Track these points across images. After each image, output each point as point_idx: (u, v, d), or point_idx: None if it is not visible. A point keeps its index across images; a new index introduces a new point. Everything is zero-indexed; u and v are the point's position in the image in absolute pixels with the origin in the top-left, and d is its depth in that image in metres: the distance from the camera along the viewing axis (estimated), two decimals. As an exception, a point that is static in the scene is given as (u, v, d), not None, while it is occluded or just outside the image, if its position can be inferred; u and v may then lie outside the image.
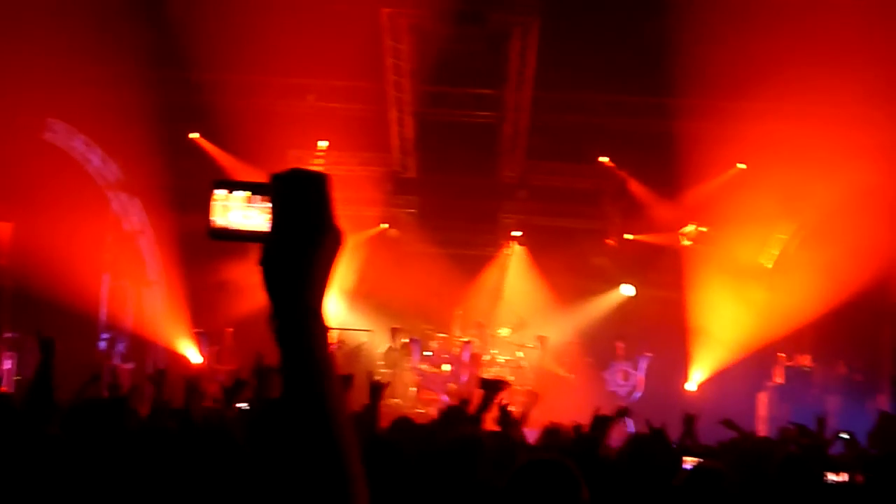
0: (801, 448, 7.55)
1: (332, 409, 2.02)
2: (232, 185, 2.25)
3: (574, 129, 19.71)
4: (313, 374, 2.03)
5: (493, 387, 8.02)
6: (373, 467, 4.86)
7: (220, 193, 2.24)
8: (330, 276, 2.08)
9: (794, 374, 19.50)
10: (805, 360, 19.78)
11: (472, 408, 7.90)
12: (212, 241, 2.31)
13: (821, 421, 8.42)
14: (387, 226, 22.57)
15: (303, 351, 2.03)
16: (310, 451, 1.99)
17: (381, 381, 7.67)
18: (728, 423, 7.81)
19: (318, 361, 2.03)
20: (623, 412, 8.40)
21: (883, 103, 17.85)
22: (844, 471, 5.72)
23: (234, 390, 7.58)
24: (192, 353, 20.78)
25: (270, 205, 2.07)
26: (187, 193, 20.59)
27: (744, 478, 3.71)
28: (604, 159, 20.75)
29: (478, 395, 8.28)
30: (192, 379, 7.87)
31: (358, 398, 7.84)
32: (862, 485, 4.09)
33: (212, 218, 2.23)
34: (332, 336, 20.09)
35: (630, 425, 14.71)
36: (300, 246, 2.04)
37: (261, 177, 2.19)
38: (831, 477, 5.61)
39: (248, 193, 2.24)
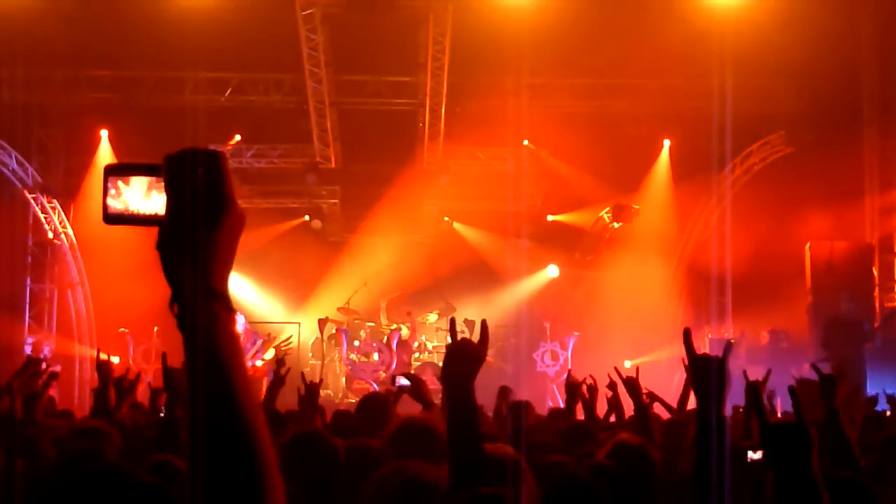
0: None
1: (238, 393, 1.95)
2: (127, 169, 2.19)
3: (493, 113, 19.78)
4: (217, 358, 1.96)
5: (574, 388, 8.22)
6: (313, 465, 4.88)
7: (114, 178, 2.18)
8: (231, 255, 2.05)
9: (717, 346, 19.74)
10: (728, 332, 20.03)
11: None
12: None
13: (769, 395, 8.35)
14: (309, 217, 22.52)
15: (206, 335, 1.97)
16: (216, 436, 1.92)
17: (315, 382, 7.63)
18: (651, 396, 7.70)
19: (222, 344, 1.97)
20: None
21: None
22: None
23: (156, 396, 7.50)
24: (116, 354, 20.59)
25: (164, 187, 2.04)
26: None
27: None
28: (525, 142, 20.84)
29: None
30: (117, 380, 7.76)
31: (291, 395, 7.81)
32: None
33: (107, 202, 2.17)
34: (262, 329, 19.95)
35: (557, 403, 14.87)
36: (197, 227, 2.00)
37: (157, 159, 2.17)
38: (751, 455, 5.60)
39: (144, 176, 2.17)
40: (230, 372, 1.96)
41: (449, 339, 3.85)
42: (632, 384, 7.28)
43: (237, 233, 2.07)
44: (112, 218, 2.18)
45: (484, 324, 3.81)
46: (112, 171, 2.18)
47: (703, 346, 19.80)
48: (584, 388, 8.41)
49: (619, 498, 4.32)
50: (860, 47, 18.73)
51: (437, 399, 8.60)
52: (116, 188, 2.18)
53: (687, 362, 3.83)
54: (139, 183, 2.18)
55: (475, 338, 3.83)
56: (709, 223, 21.14)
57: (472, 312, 21.07)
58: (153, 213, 2.15)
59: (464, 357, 3.75)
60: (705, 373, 3.72)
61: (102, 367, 7.88)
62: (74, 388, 19.97)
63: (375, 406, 7.59)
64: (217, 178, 2.03)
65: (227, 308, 2.01)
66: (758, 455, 5.30)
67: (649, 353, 20.63)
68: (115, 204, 2.18)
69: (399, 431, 5.44)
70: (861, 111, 19.14)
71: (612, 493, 4.17)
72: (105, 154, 20.78)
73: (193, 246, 2.00)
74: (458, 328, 3.85)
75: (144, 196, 2.17)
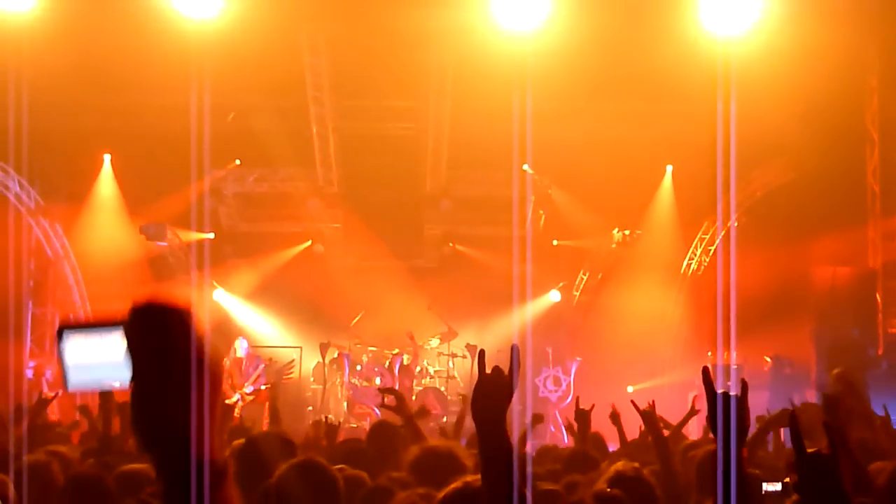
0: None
1: None
2: (82, 329, 2.03)
3: (494, 138, 19.78)
4: None
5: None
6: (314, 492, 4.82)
7: (70, 339, 2.02)
8: (212, 413, 1.90)
9: (721, 375, 19.67)
10: (731, 358, 19.98)
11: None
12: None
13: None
14: (311, 242, 22.51)
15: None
16: None
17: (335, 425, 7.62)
18: (647, 416, 7.58)
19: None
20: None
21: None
22: None
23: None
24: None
25: (126, 345, 1.90)
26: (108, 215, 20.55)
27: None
28: (525, 168, 20.85)
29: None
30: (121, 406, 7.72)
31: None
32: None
33: (66, 372, 2.02)
34: (263, 354, 19.94)
35: (559, 429, 14.80)
36: (167, 392, 1.87)
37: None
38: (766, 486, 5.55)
39: (100, 336, 2.00)
40: None
41: (448, 364, 3.79)
42: (649, 417, 7.25)
43: (216, 391, 1.92)
44: (74, 385, 2.03)
45: (515, 350, 3.66)
46: (66, 331, 2.04)
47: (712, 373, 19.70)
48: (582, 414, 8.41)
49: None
50: (863, 73, 18.77)
51: (438, 423, 8.58)
52: (76, 350, 2.02)
53: (706, 399, 3.78)
54: (100, 343, 2.01)
55: (476, 365, 3.75)
56: (711, 249, 21.13)
57: (474, 337, 21.03)
58: (118, 377, 1.97)
59: (494, 390, 3.65)
60: (726, 412, 3.68)
61: (106, 397, 7.83)
62: (75, 413, 19.90)
63: (386, 435, 7.62)
64: (184, 337, 1.89)
65: (219, 478, 1.91)
66: (774, 487, 5.26)
67: (652, 379, 20.60)
68: (74, 368, 2.02)
69: (421, 459, 5.42)
70: (864, 136, 19.16)
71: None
72: (107, 178, 20.85)
73: (167, 412, 1.87)
74: (460, 353, 3.81)
75: (106, 357, 1.99)
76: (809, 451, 3.35)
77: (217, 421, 1.92)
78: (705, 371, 3.81)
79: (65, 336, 2.04)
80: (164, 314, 1.90)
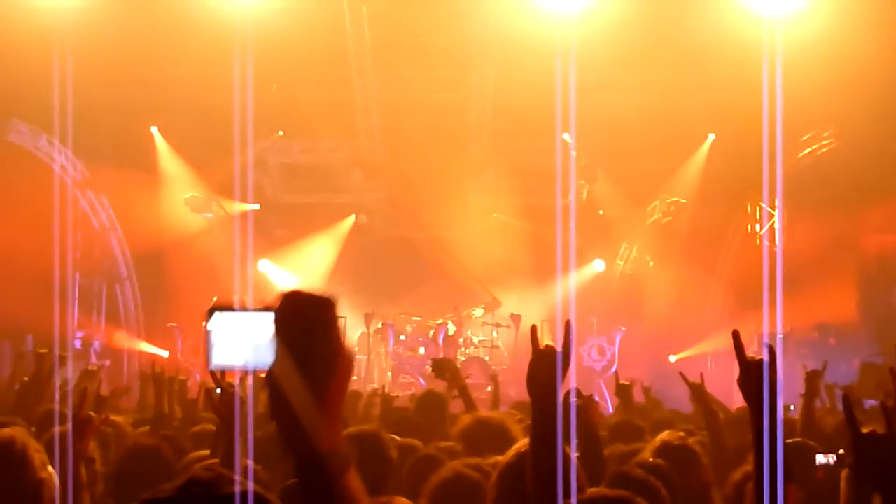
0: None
1: None
2: (231, 311, 2.15)
3: (538, 108, 19.69)
4: None
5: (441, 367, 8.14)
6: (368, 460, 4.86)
7: (218, 320, 2.14)
8: (341, 407, 2.00)
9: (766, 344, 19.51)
10: (777, 327, 19.85)
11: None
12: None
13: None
14: (355, 213, 22.55)
15: (320, 489, 1.96)
16: None
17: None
18: (696, 388, 7.54)
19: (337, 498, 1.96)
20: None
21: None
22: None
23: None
24: (165, 348, 20.73)
25: (272, 332, 1.97)
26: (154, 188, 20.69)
27: None
28: (566, 137, 20.75)
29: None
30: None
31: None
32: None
33: (211, 350, 2.13)
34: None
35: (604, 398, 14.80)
36: (305, 379, 1.94)
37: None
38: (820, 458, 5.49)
39: (248, 320, 2.12)
40: None
41: (492, 334, 3.80)
42: (698, 390, 7.24)
43: (347, 383, 2.02)
44: (219, 366, 2.16)
45: (567, 326, 3.69)
46: (215, 311, 2.15)
47: (752, 343, 19.64)
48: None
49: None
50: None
51: (481, 393, 8.62)
52: (219, 331, 2.14)
53: (738, 364, 3.77)
54: (242, 326, 2.13)
55: (530, 340, 3.75)
56: (757, 218, 20.98)
57: (518, 307, 21.05)
58: (261, 361, 2.05)
59: (548, 364, 3.68)
60: (756, 377, 3.66)
61: (158, 379, 7.99)
62: (123, 382, 20.12)
63: (434, 405, 7.68)
64: (328, 328, 2.00)
65: (345, 463, 1.99)
66: (828, 459, 5.21)
67: (694, 347, 20.53)
68: (218, 352, 2.14)
69: (471, 429, 5.46)
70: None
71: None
72: (154, 151, 20.93)
73: (304, 399, 1.95)
74: (504, 322, 3.81)
75: (249, 341, 2.11)
76: (865, 431, 3.33)
77: (343, 411, 2.01)
78: (735, 335, 3.83)
79: (214, 316, 2.14)
80: (313, 304, 2.00)
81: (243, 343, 2.11)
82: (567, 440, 3.60)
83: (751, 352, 3.81)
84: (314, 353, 1.95)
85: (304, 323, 1.97)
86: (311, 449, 1.94)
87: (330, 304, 2.01)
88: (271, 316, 1.98)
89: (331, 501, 1.95)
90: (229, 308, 2.15)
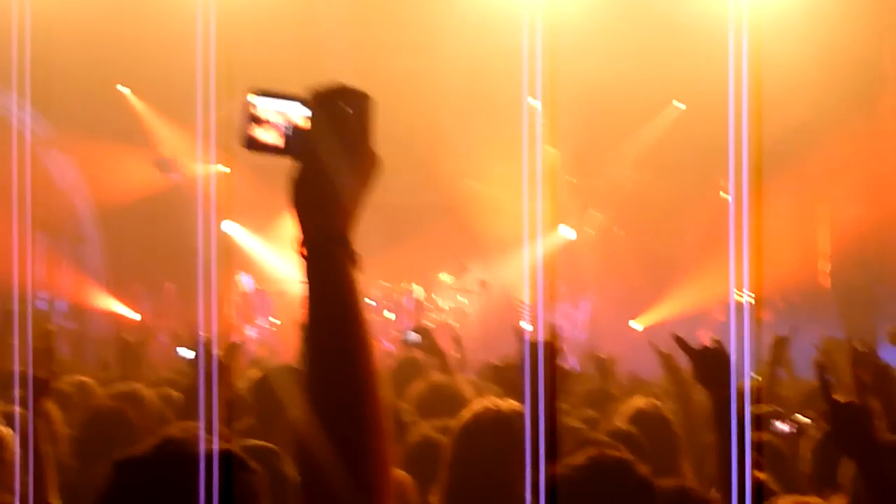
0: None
1: (358, 340, 1.99)
2: (270, 96, 2.18)
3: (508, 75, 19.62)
4: (339, 304, 2.01)
5: None
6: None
7: (257, 103, 2.16)
8: (362, 202, 2.06)
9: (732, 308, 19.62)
10: (744, 295, 19.87)
11: None
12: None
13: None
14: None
15: (330, 282, 2.02)
16: (336, 373, 1.96)
17: None
18: (665, 357, 7.53)
19: (345, 289, 2.03)
20: None
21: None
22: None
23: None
24: (129, 310, 20.58)
25: (308, 120, 2.05)
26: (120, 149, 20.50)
27: None
28: (532, 101, 20.67)
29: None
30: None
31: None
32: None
33: (248, 129, 2.14)
34: (273, 289, 19.83)
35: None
36: (334, 170, 2.01)
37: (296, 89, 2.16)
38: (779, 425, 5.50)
39: (286, 106, 2.16)
40: (354, 320, 2.00)
41: (460, 299, 3.78)
42: (668, 360, 7.21)
43: (371, 179, 2.07)
44: (252, 144, 2.14)
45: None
46: (255, 96, 2.17)
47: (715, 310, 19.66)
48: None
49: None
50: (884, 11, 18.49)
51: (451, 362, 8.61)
52: (258, 115, 2.15)
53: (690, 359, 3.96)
54: (281, 112, 2.16)
55: (489, 300, 3.73)
56: (726, 187, 21.02)
57: (485, 273, 21.04)
58: (293, 146, 2.11)
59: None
60: (708, 366, 3.93)
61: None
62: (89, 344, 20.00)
63: (415, 373, 7.65)
64: (363, 121, 2.06)
65: (351, 255, 2.07)
66: (785, 426, 5.22)
67: (664, 314, 20.57)
68: (257, 132, 2.14)
69: (473, 423, 4.20)
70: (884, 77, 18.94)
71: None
72: (121, 110, 20.68)
73: (330, 191, 2.01)
74: (472, 288, 3.76)
75: (284, 127, 2.14)
76: (841, 401, 3.32)
77: (361, 204, 2.09)
78: (679, 340, 4.07)
79: (252, 97, 2.18)
80: (350, 97, 2.11)
81: (281, 127, 2.15)
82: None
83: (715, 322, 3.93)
84: (348, 143, 2.03)
85: (342, 113, 2.05)
86: (325, 229, 2.02)
87: (366, 97, 2.10)
88: (309, 106, 2.09)
89: (334, 287, 2.02)
90: (271, 94, 2.20)
